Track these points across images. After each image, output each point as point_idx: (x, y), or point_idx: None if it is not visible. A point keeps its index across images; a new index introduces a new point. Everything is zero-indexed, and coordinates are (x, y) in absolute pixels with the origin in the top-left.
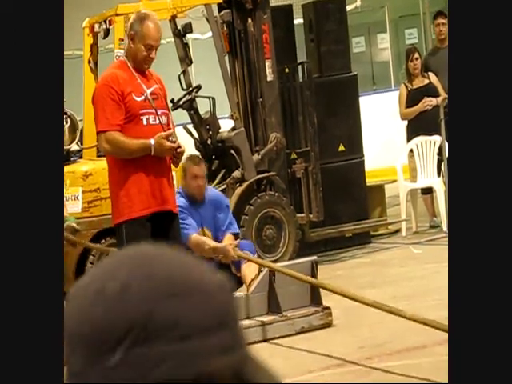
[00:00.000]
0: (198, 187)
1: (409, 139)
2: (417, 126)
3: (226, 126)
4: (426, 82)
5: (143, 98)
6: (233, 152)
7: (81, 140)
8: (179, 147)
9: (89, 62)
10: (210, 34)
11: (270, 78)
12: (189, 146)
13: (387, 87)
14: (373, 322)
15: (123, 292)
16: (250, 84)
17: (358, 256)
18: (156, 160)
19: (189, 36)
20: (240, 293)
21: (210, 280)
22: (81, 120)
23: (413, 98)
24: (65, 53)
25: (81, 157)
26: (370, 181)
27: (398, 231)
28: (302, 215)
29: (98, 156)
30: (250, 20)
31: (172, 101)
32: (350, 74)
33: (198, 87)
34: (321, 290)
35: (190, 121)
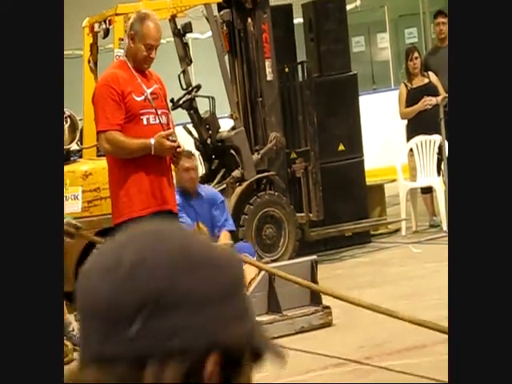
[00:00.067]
0: (190, 180)
1: (408, 138)
2: (416, 126)
3: (225, 125)
4: (426, 81)
5: (143, 97)
6: (232, 151)
7: (81, 140)
8: (179, 147)
9: (89, 61)
10: (209, 33)
11: (269, 77)
12: (189, 146)
13: (387, 86)
14: (373, 321)
15: (139, 265)
16: (249, 83)
17: (357, 255)
18: (156, 160)
19: (188, 35)
20: None
21: (220, 253)
22: (80, 120)
23: (412, 98)
24: (65, 52)
25: (81, 156)
26: (369, 180)
27: (397, 230)
28: (302, 214)
29: (98, 156)
30: (249, 19)
31: (172, 100)
32: (350, 73)
33: (198, 87)
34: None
35: (189, 120)
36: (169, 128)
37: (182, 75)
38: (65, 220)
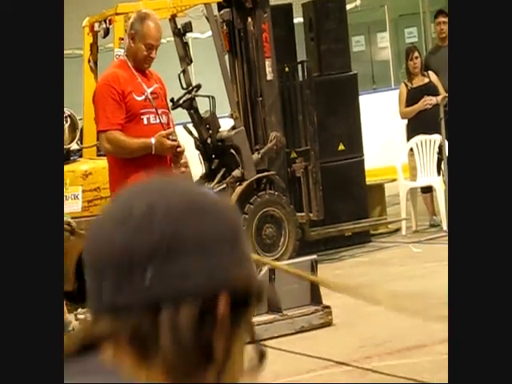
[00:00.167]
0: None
1: (409, 138)
2: (417, 125)
3: (225, 125)
4: (426, 80)
5: (144, 97)
6: (233, 151)
7: (81, 139)
8: (179, 146)
9: (89, 61)
10: (209, 33)
11: (269, 77)
12: (189, 145)
13: (387, 86)
14: (373, 321)
15: (149, 215)
16: (249, 83)
17: (357, 255)
18: (156, 159)
19: (189, 35)
20: None
21: (221, 201)
22: (80, 119)
23: (413, 97)
24: (65, 52)
25: (81, 156)
26: (369, 180)
27: (397, 230)
28: (302, 214)
29: (98, 155)
30: (249, 19)
31: (172, 100)
32: (350, 72)
33: (198, 86)
34: (321, 289)
35: (189, 120)
36: (169, 127)
37: (182, 75)
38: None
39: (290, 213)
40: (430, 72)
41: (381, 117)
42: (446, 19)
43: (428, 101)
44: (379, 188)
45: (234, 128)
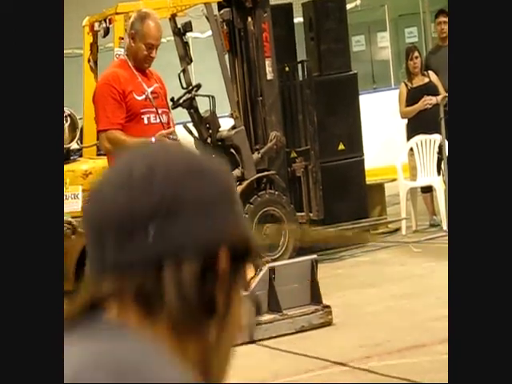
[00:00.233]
0: None
1: (409, 138)
2: (417, 125)
3: (225, 124)
4: (426, 80)
5: (144, 97)
6: (233, 151)
7: (81, 139)
8: None
9: (89, 60)
10: (209, 32)
11: (269, 76)
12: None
13: (387, 86)
14: (372, 320)
15: (149, 177)
16: (249, 83)
17: (357, 255)
18: None
19: (189, 35)
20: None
21: (215, 162)
22: (80, 119)
23: (413, 97)
24: (64, 51)
25: (81, 155)
26: (369, 179)
27: (397, 230)
28: (302, 214)
29: (98, 155)
30: (249, 19)
31: (172, 99)
32: (350, 72)
33: (198, 86)
34: (321, 289)
35: (189, 119)
36: (169, 127)
37: (182, 74)
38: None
39: (290, 212)
40: (430, 72)
41: (381, 116)
42: (446, 19)
43: (428, 100)
44: (379, 188)
45: (234, 127)
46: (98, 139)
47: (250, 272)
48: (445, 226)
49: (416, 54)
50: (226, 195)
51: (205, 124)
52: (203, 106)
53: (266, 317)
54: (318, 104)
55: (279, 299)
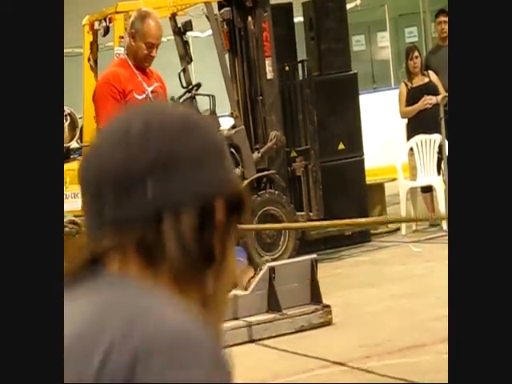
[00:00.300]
0: None
1: (409, 137)
2: (417, 125)
3: (226, 123)
4: (426, 80)
5: (144, 96)
6: (233, 150)
7: (80, 137)
8: None
9: (88, 59)
10: (210, 31)
11: (270, 76)
12: None
13: (387, 86)
14: (372, 320)
15: (146, 133)
16: (250, 82)
17: (357, 254)
18: None
19: (189, 34)
20: (239, 291)
21: (206, 120)
22: (80, 118)
23: (413, 97)
24: (64, 50)
25: (80, 154)
26: (369, 179)
27: (397, 230)
28: (302, 213)
29: None
30: (250, 18)
31: (172, 99)
32: (350, 72)
33: (198, 85)
34: (321, 288)
35: None
36: None
37: (182, 73)
38: (66, 218)
39: (290, 212)
40: (430, 71)
41: (381, 116)
42: (446, 18)
43: (428, 100)
44: (379, 187)
45: (234, 127)
46: None
47: (242, 224)
48: (444, 226)
49: (416, 53)
50: (219, 151)
51: None
52: (203, 105)
53: (266, 316)
54: (318, 103)
55: (279, 299)
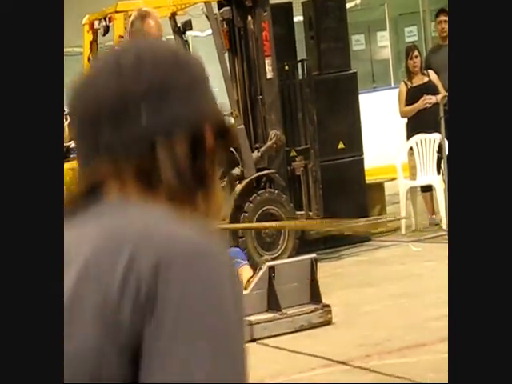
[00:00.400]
0: None
1: (408, 137)
2: (416, 124)
3: None
4: (426, 79)
5: None
6: (232, 149)
7: None
8: None
9: (88, 59)
10: (209, 31)
11: (269, 75)
12: None
13: (387, 85)
14: (372, 319)
15: (138, 65)
16: (249, 81)
17: (357, 254)
18: None
19: (189, 33)
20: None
21: (190, 54)
22: None
23: (412, 96)
24: (64, 50)
25: None
26: (369, 178)
27: (397, 229)
28: (302, 213)
29: None
30: (249, 17)
31: None
32: (350, 71)
33: None
34: (320, 288)
35: None
36: None
37: None
38: None
39: (290, 211)
40: (430, 71)
41: (380, 116)
42: (447, 18)
43: (427, 100)
44: (379, 187)
45: None
46: None
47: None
48: (444, 225)
49: (416, 53)
50: (205, 82)
51: None
52: None
53: (266, 316)
54: (318, 103)
55: (279, 298)
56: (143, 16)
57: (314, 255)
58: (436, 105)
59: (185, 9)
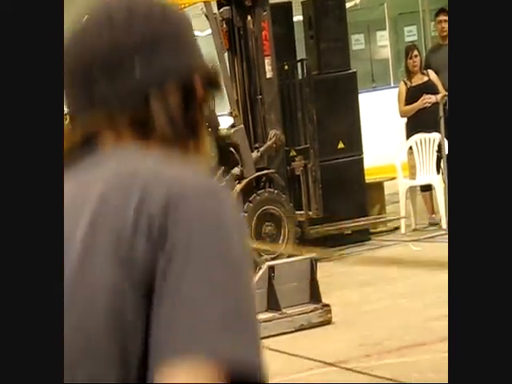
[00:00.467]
0: None
1: (408, 136)
2: (416, 124)
3: (225, 123)
4: (426, 79)
5: None
6: (232, 149)
7: None
8: None
9: None
10: (209, 31)
11: (269, 75)
12: None
13: (386, 84)
14: (372, 319)
15: (129, 15)
16: (249, 81)
17: (356, 253)
18: None
19: None
20: None
21: (173, 7)
22: None
23: (412, 96)
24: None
25: None
26: (369, 178)
27: (397, 228)
28: (302, 212)
29: None
30: (249, 17)
31: None
32: (350, 71)
33: None
34: (320, 287)
35: None
36: None
37: None
38: None
39: (290, 211)
40: (430, 70)
41: (380, 115)
42: (447, 17)
43: (427, 99)
44: (378, 186)
45: (233, 126)
46: None
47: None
48: (444, 225)
49: (415, 52)
50: (192, 34)
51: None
52: None
53: (265, 315)
54: (318, 102)
55: (278, 298)
56: None
57: (313, 255)
58: (436, 104)
59: (184, 8)
